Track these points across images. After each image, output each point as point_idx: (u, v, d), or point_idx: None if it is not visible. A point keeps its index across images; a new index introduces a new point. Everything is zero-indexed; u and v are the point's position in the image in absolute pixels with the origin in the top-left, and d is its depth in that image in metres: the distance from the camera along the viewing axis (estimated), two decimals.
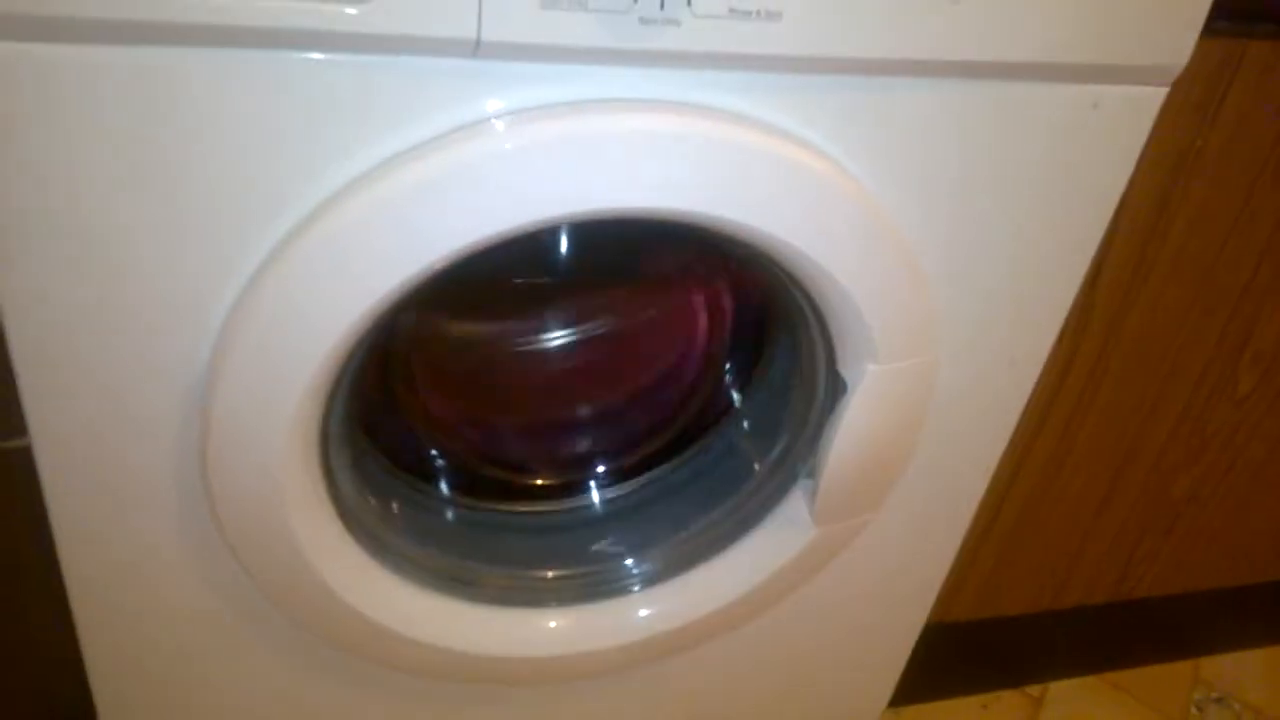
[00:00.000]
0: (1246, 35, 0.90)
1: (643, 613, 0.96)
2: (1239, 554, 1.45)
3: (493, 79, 0.65)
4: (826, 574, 1.02)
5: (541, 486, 1.02)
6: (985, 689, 1.51)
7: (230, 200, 0.64)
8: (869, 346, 0.82)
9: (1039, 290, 0.90)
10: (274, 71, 0.61)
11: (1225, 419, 1.24)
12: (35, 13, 0.55)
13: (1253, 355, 1.17)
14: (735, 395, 1.01)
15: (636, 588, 0.96)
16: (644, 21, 0.63)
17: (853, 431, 0.87)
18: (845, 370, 0.85)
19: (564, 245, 0.84)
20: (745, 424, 1.01)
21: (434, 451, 0.97)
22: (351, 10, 0.58)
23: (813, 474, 0.91)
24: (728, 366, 1.01)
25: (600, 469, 1.02)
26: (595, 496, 1.02)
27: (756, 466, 0.97)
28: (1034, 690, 1.52)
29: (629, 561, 0.97)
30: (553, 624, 0.94)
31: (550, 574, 0.96)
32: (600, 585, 0.96)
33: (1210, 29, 0.76)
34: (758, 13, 0.64)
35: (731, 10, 0.64)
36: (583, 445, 1.02)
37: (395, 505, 0.90)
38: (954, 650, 1.39)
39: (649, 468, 1.03)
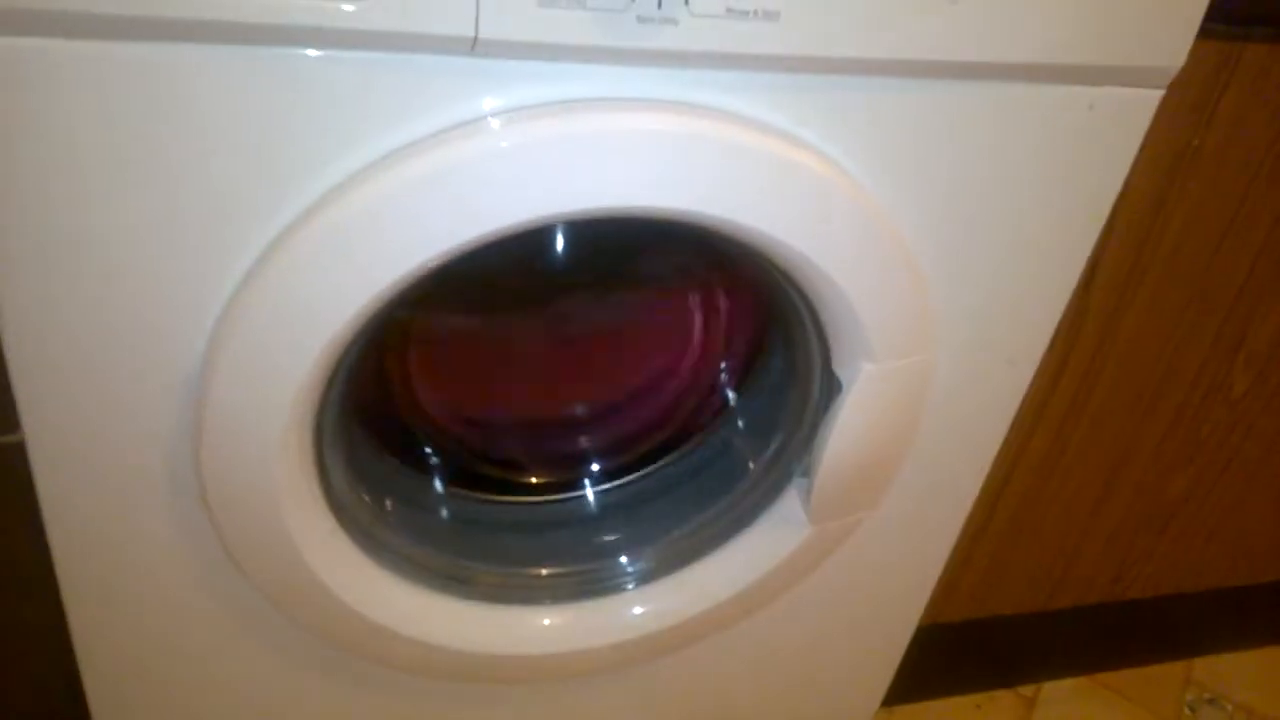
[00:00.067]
0: (1243, 38, 0.90)
1: (637, 611, 0.96)
2: (1234, 554, 1.45)
3: (490, 77, 0.65)
4: (821, 573, 1.02)
5: (536, 484, 1.02)
6: (979, 689, 1.51)
7: (225, 197, 0.64)
8: (864, 345, 0.82)
9: (1035, 290, 0.90)
10: (271, 68, 0.61)
11: (1220, 419, 1.24)
12: (33, 8, 0.55)
13: (1247, 356, 1.18)
14: (731, 394, 1.01)
15: (631, 586, 0.96)
16: (641, 20, 0.63)
17: (848, 430, 0.87)
18: (840, 369, 0.85)
19: (560, 243, 0.84)
20: (740, 422, 1.01)
21: (428, 449, 0.97)
22: (349, 7, 0.58)
23: (808, 473, 0.92)
24: (723, 365, 1.01)
25: (595, 467, 1.02)
26: (590, 494, 1.02)
27: (751, 465, 0.97)
28: (1027, 690, 1.52)
29: (624, 559, 0.97)
30: (547, 622, 0.94)
31: (545, 572, 0.96)
32: (595, 583, 0.96)
33: (1206, 31, 0.76)
34: (755, 12, 0.64)
35: (729, 10, 0.64)
36: (578, 443, 1.02)
37: (389, 502, 0.90)
38: (948, 650, 1.39)
39: (644, 466, 1.03)
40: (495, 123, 0.65)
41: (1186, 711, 1.53)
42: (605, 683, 1.07)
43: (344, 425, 0.82)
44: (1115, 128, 0.81)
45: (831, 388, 0.87)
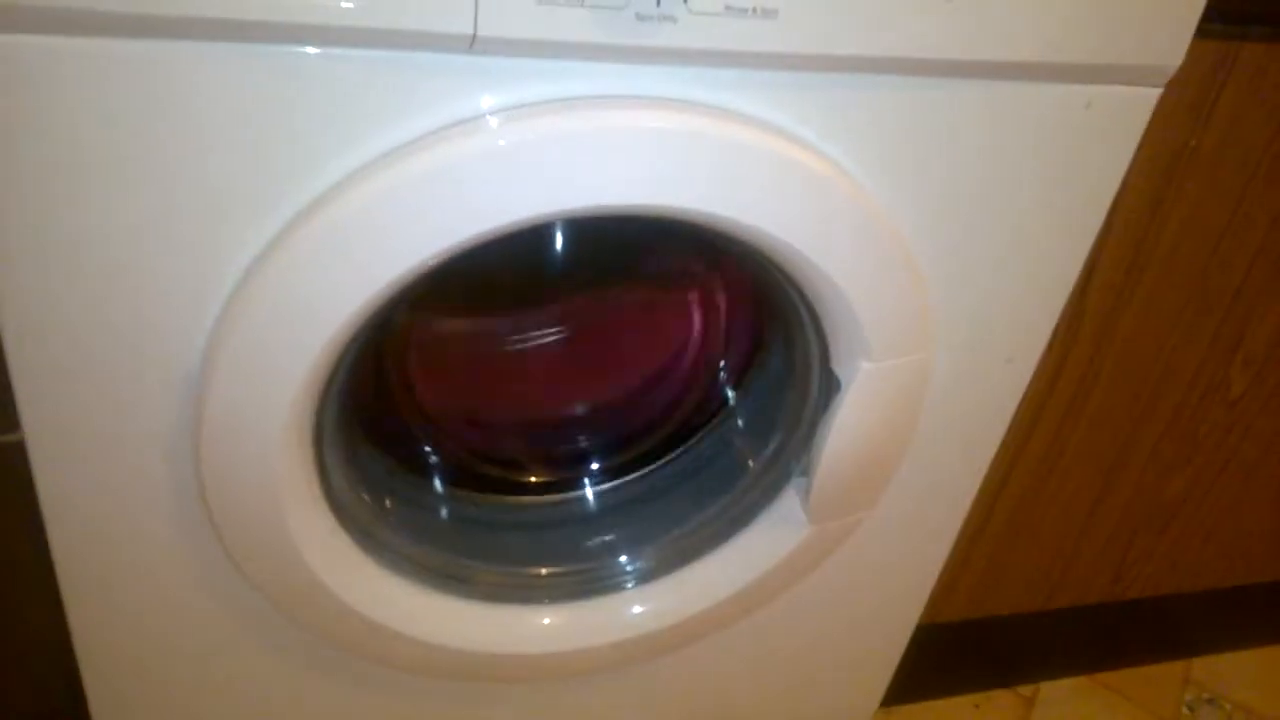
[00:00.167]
0: (1240, 37, 0.90)
1: (636, 610, 0.96)
2: (1232, 554, 1.45)
3: (488, 74, 0.65)
4: (820, 573, 1.02)
5: (536, 483, 1.02)
6: (977, 689, 1.51)
7: (224, 194, 0.65)
8: (863, 344, 0.82)
9: (1033, 289, 0.90)
10: (270, 66, 0.61)
11: (1218, 420, 1.24)
12: (33, 4, 0.55)
13: (1245, 357, 1.18)
14: (730, 393, 1.01)
15: (630, 585, 0.96)
16: (640, 18, 0.63)
17: (846, 429, 0.87)
18: (839, 368, 0.85)
19: (558, 242, 0.84)
20: (739, 421, 1.01)
21: (427, 448, 0.97)
22: (348, 4, 0.58)
23: (807, 472, 0.92)
24: (722, 364, 1.01)
25: (594, 466, 1.02)
26: (589, 493, 1.02)
27: (750, 464, 0.97)
28: (1026, 690, 1.52)
29: (623, 558, 0.97)
30: (547, 621, 0.94)
31: (544, 571, 0.96)
32: (594, 582, 0.96)
33: (1204, 30, 0.76)
34: (753, 10, 0.65)
35: (727, 7, 0.64)
36: (577, 442, 1.02)
37: (389, 502, 0.90)
38: (946, 650, 1.39)
39: (644, 465, 1.03)
40: (494, 121, 0.65)
41: (1185, 711, 1.53)
42: (604, 682, 1.07)
43: (344, 424, 0.82)
44: (1113, 126, 0.81)
45: (830, 387, 0.87)
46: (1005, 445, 1.03)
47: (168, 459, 0.75)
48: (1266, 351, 1.18)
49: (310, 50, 0.61)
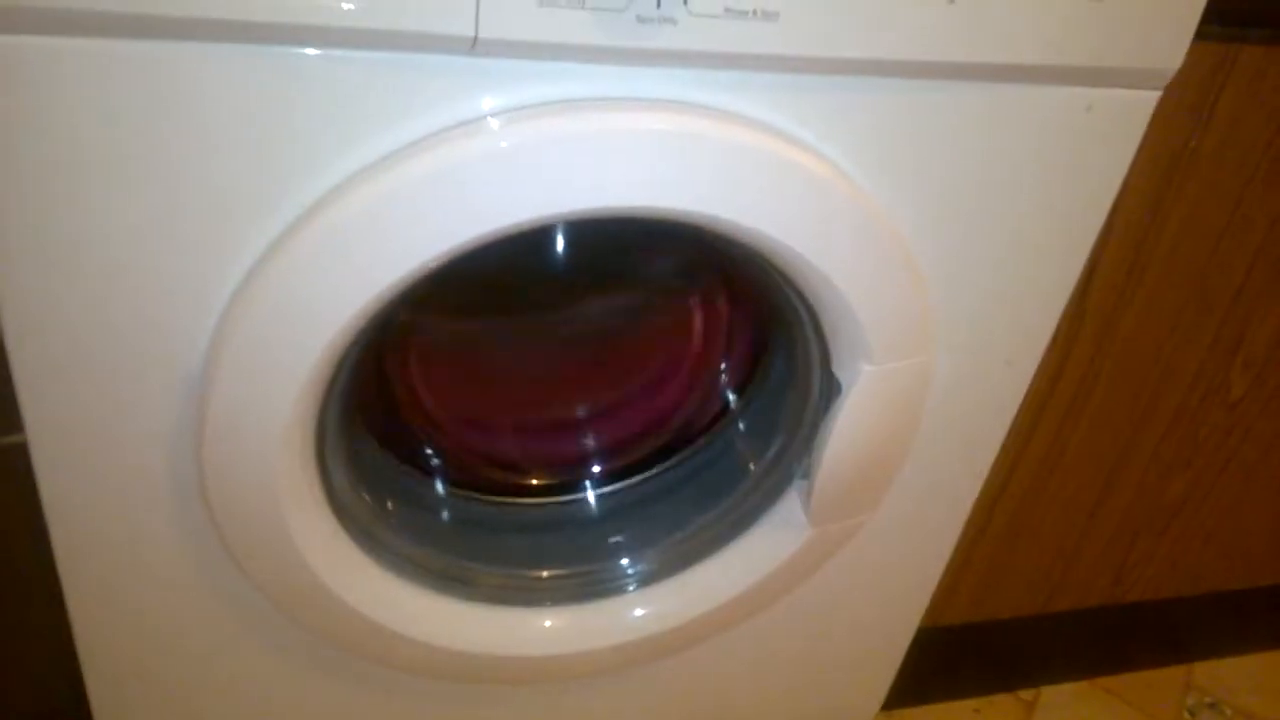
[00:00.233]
0: (1239, 39, 0.90)
1: (638, 612, 0.96)
2: (1233, 557, 1.45)
3: (489, 76, 0.65)
4: (821, 576, 1.02)
5: (537, 485, 1.02)
6: (978, 693, 1.51)
7: (226, 195, 0.65)
8: (864, 347, 0.82)
9: (1034, 291, 0.90)
10: (271, 67, 0.61)
11: (1218, 422, 1.24)
12: (34, 5, 0.55)
13: (1245, 359, 1.18)
14: (731, 396, 1.01)
15: (632, 587, 0.96)
16: (641, 20, 0.63)
17: (847, 432, 0.87)
18: (840, 371, 0.85)
19: (559, 244, 0.84)
20: (741, 424, 1.01)
21: (429, 449, 0.97)
22: (349, 6, 0.58)
23: (808, 474, 0.92)
24: (723, 367, 1.01)
25: (596, 469, 1.02)
26: (591, 496, 1.02)
27: (752, 467, 0.97)
28: (1027, 694, 1.52)
29: (624, 561, 0.97)
30: (548, 623, 0.94)
31: (545, 573, 0.96)
32: (595, 585, 0.96)
33: (1203, 33, 0.76)
34: (754, 12, 0.65)
35: (728, 10, 0.64)
36: (578, 444, 1.02)
37: (390, 503, 0.90)
38: (947, 654, 1.39)
39: (645, 468, 1.03)
40: (495, 122, 0.65)
41: (1187, 716, 1.53)
42: (606, 684, 1.07)
43: (345, 425, 0.82)
44: (1113, 129, 0.81)
45: (831, 389, 0.87)
46: (1006, 447, 1.03)
47: (169, 459, 0.75)
48: (1266, 353, 1.18)
49: (311, 51, 0.61)
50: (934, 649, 1.31)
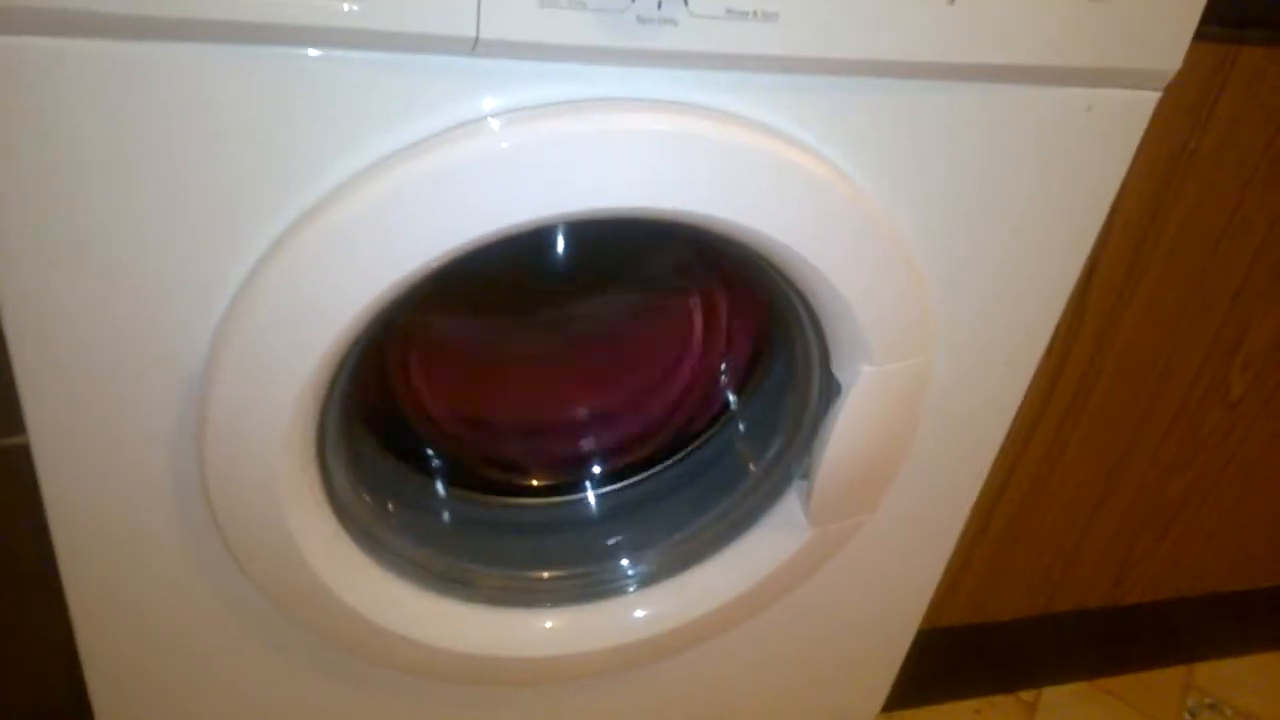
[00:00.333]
0: (1239, 40, 0.90)
1: (638, 613, 0.96)
2: (1233, 558, 1.45)
3: (490, 77, 0.65)
4: (821, 577, 1.02)
5: (538, 486, 1.02)
6: (979, 694, 1.51)
7: (228, 196, 0.65)
8: (863, 347, 0.82)
9: (1033, 291, 0.90)
10: (272, 67, 0.61)
11: (1218, 422, 1.25)
12: (35, 6, 0.56)
13: (1245, 358, 1.18)
14: (731, 396, 1.01)
15: (632, 588, 0.96)
16: (641, 20, 0.63)
17: (847, 433, 0.87)
18: (840, 371, 0.85)
19: (560, 245, 0.84)
20: (741, 425, 1.01)
21: (429, 450, 0.97)
22: (351, 7, 0.59)
23: (807, 475, 0.92)
24: (723, 368, 1.01)
25: (596, 469, 1.02)
26: (591, 497, 1.02)
27: (752, 467, 0.98)
28: (1028, 695, 1.52)
29: (625, 562, 0.97)
30: (549, 624, 0.94)
31: (546, 574, 0.96)
32: (596, 586, 0.96)
33: (1203, 33, 0.76)
34: (754, 13, 0.65)
35: (728, 10, 0.64)
36: (579, 445, 1.02)
37: (391, 504, 0.90)
38: (947, 655, 1.39)
39: (645, 469, 1.03)
40: (496, 123, 0.66)
41: (1187, 717, 1.53)
42: (606, 685, 1.07)
43: (346, 426, 0.82)
44: (1112, 129, 0.81)
45: (831, 390, 0.87)
46: (1005, 448, 1.04)
47: (171, 460, 0.75)
48: (1266, 353, 1.18)
49: (313, 52, 0.61)
50: (935, 650, 1.31)
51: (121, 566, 0.81)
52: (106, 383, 0.71)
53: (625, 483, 1.03)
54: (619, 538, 1.00)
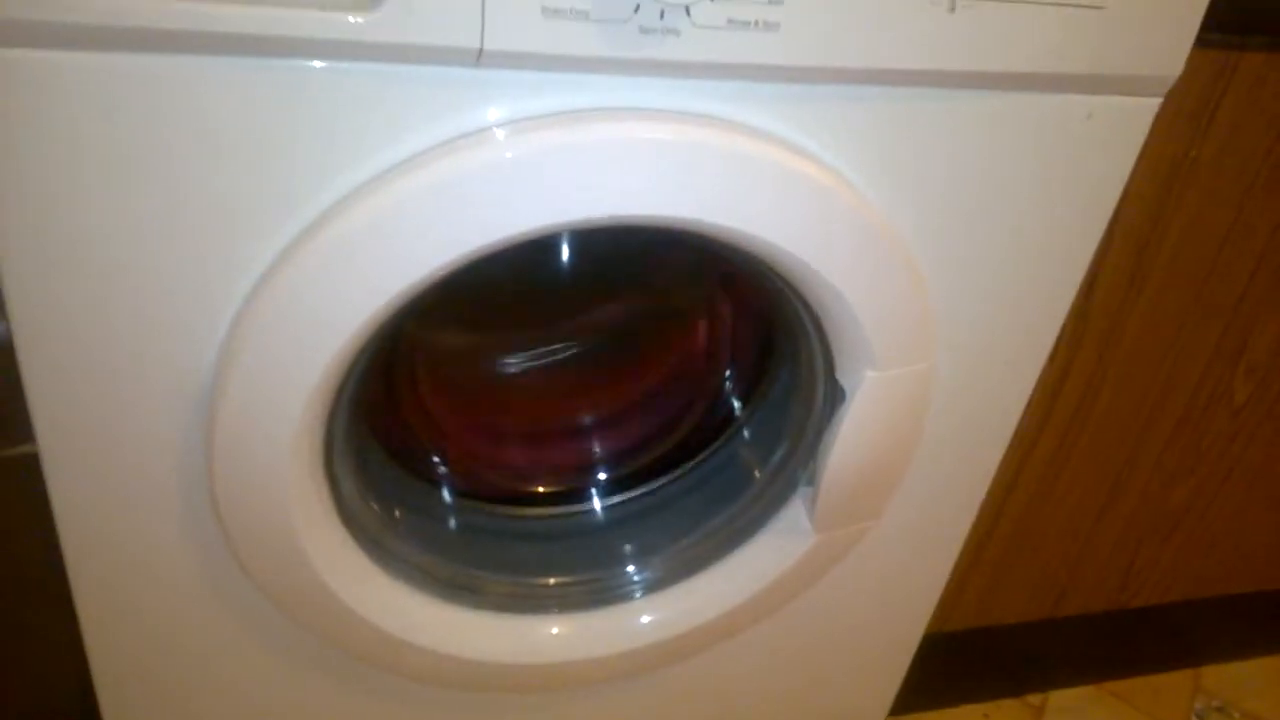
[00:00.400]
0: (1239, 47, 0.91)
1: (645, 619, 0.96)
2: (1238, 562, 1.45)
3: (495, 88, 0.66)
4: (826, 582, 1.02)
5: (544, 494, 1.02)
6: (986, 698, 1.51)
7: (234, 207, 0.65)
8: (867, 354, 0.82)
9: (1036, 298, 0.90)
10: (277, 79, 0.61)
11: (1222, 429, 1.25)
12: (39, 20, 0.56)
13: (1248, 365, 1.18)
14: (736, 403, 1.02)
15: (638, 594, 0.97)
16: (644, 31, 0.64)
17: (851, 438, 0.88)
18: (844, 378, 0.86)
19: (564, 254, 0.84)
20: (746, 432, 1.01)
21: (436, 458, 0.97)
22: (356, 19, 0.59)
23: (812, 481, 0.92)
24: (728, 375, 1.01)
25: (602, 477, 1.03)
26: (597, 504, 1.03)
27: (757, 474, 0.98)
28: (1035, 699, 1.52)
29: (631, 568, 0.97)
30: (555, 630, 0.94)
31: (553, 581, 0.96)
32: (602, 592, 0.96)
33: (1203, 40, 0.77)
34: (756, 23, 0.65)
35: (730, 20, 0.65)
36: (585, 453, 1.03)
37: (398, 511, 0.90)
38: (954, 659, 1.39)
39: (651, 476, 1.03)
40: (500, 133, 0.66)
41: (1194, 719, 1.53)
42: (612, 691, 1.07)
43: (353, 434, 0.82)
44: (1113, 136, 0.82)
45: (835, 396, 0.87)
46: (1010, 454, 1.04)
47: (179, 469, 0.76)
48: (1269, 360, 1.18)
49: (318, 64, 0.62)
50: (942, 654, 1.31)
51: (131, 574, 0.81)
52: (116, 394, 0.71)
53: (631, 490, 1.03)
54: (625, 544, 1.00)
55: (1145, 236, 1.01)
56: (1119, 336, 1.09)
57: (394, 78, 0.63)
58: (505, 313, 0.93)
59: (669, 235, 0.73)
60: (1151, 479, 1.27)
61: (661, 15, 0.63)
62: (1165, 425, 1.21)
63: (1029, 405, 0.99)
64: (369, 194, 0.65)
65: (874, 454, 0.91)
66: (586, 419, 1.03)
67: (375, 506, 0.87)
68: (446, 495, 0.98)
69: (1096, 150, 0.82)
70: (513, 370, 0.98)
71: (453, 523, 0.98)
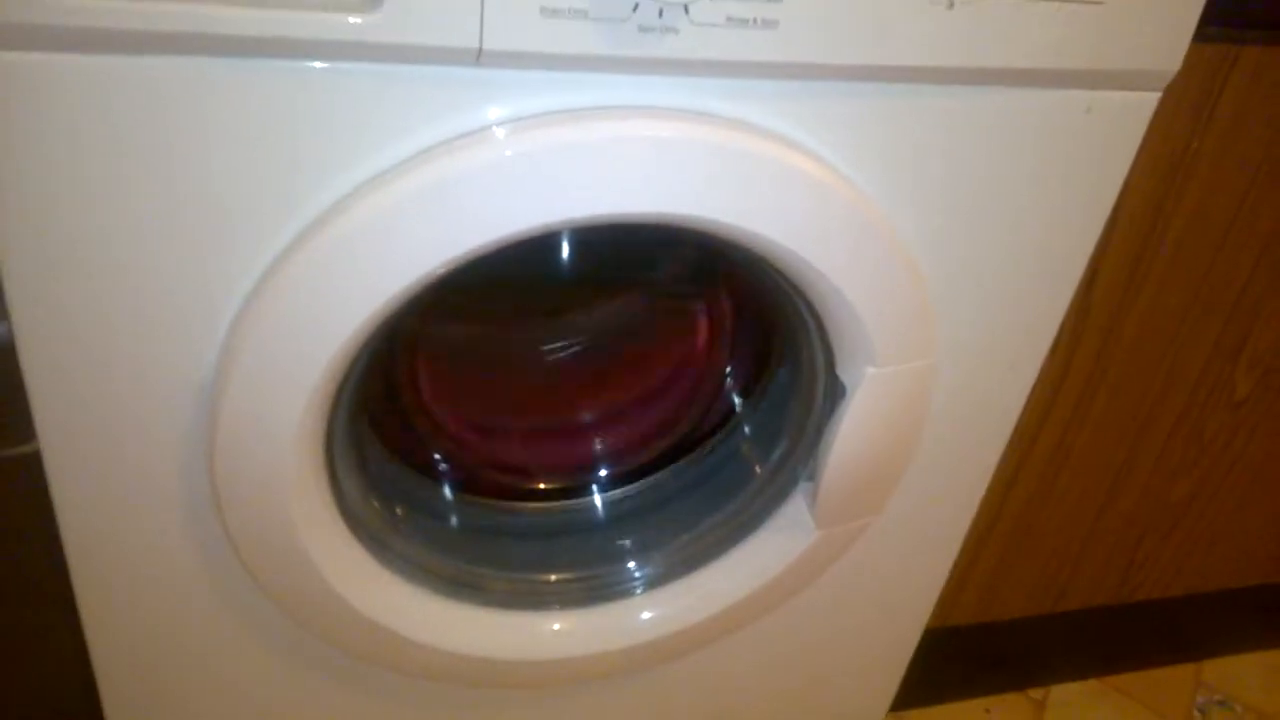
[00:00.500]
0: (1239, 40, 0.90)
1: (645, 615, 0.96)
2: (1239, 557, 1.45)
3: (494, 87, 0.66)
4: (827, 578, 1.02)
5: (545, 490, 1.02)
6: (988, 692, 1.51)
7: (236, 206, 0.65)
8: (867, 350, 0.83)
9: (1037, 293, 0.90)
10: (278, 80, 0.61)
11: (1223, 422, 1.25)
12: (36, 22, 0.56)
13: (1249, 359, 1.18)
14: (737, 400, 1.02)
15: (639, 590, 0.97)
16: (643, 29, 0.64)
17: (852, 434, 0.88)
18: (844, 374, 0.86)
19: (565, 251, 0.84)
20: (746, 428, 1.01)
21: (437, 455, 0.98)
22: (355, 20, 0.59)
23: (813, 477, 0.92)
24: (729, 371, 1.01)
25: (603, 473, 1.03)
26: (598, 500, 1.03)
27: (758, 470, 0.98)
28: (1036, 694, 1.52)
29: (632, 565, 0.98)
30: (556, 627, 0.94)
31: (553, 577, 0.96)
32: (603, 588, 0.97)
33: (1203, 34, 0.77)
34: (754, 20, 0.65)
35: (729, 18, 0.65)
36: (585, 450, 1.03)
37: (399, 509, 0.91)
38: (956, 654, 1.39)
39: (651, 472, 1.03)
40: (500, 132, 0.66)
41: (1196, 714, 1.53)
42: (613, 687, 1.07)
43: (355, 432, 0.82)
44: (1113, 131, 0.82)
45: (835, 392, 0.87)
46: (1011, 449, 1.04)
47: (181, 469, 0.76)
48: (1271, 354, 1.18)
49: (318, 64, 0.62)
50: (943, 649, 1.31)
51: (132, 573, 0.81)
52: (117, 393, 0.71)
53: (632, 486, 1.03)
54: (626, 540, 1.00)
55: (1146, 231, 1.00)
56: (1120, 331, 1.09)
57: (394, 78, 0.63)
58: (506, 310, 0.93)
59: (669, 232, 0.73)
60: (1153, 474, 1.27)
61: (660, 13, 0.63)
62: (1166, 420, 1.21)
63: (1030, 400, 0.99)
64: (369, 193, 0.65)
65: (875, 450, 0.91)
66: (587, 415, 1.03)
67: (376, 504, 0.87)
68: (447, 492, 0.98)
69: (1096, 145, 0.82)
70: (513, 367, 0.98)
71: (454, 520, 0.98)
